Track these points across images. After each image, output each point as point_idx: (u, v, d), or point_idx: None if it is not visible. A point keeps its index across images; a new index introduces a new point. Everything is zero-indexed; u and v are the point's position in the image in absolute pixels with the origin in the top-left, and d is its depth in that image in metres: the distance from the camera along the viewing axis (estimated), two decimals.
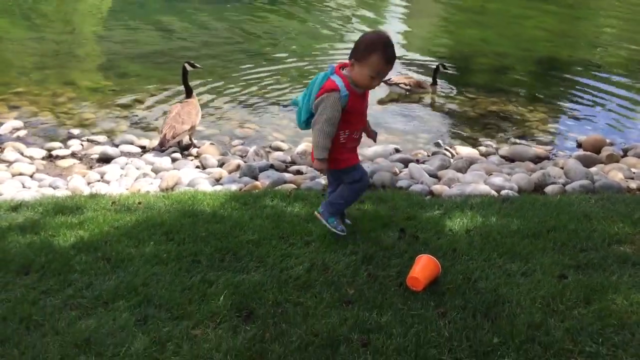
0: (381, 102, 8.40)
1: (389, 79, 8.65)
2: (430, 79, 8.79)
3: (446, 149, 6.56)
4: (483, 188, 4.79)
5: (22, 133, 6.56)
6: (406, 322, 2.78)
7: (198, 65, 6.85)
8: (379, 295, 3.01)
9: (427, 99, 8.56)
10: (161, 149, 6.21)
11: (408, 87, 8.53)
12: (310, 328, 2.72)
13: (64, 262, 3.25)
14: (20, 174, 5.37)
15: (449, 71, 8.95)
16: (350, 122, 3.30)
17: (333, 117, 3.20)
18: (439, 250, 3.44)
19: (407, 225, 3.80)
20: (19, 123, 6.75)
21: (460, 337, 2.66)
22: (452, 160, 5.94)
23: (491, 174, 5.31)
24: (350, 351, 2.58)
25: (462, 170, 5.52)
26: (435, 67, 8.85)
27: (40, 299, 2.92)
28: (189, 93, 6.73)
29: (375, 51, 3.12)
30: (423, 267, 3.10)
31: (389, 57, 3.15)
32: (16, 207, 4.13)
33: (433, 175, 5.32)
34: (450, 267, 3.26)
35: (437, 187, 4.93)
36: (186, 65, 6.74)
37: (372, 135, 3.66)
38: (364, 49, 3.15)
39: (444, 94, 8.67)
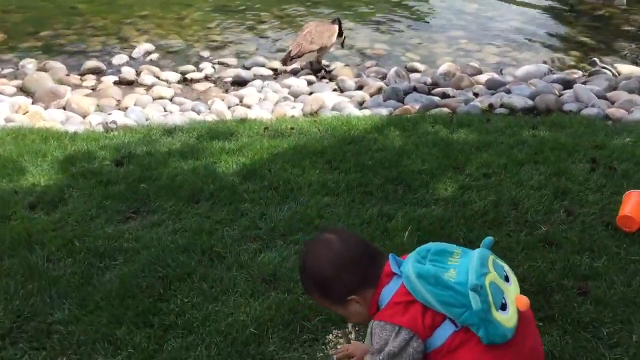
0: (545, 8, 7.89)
1: None
2: None
3: (605, 67, 5.85)
4: None
5: (154, 56, 6.51)
6: (626, 268, 2.42)
7: None
8: (585, 236, 2.65)
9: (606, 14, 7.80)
10: (283, 65, 5.99)
11: None
12: None
13: (232, 191, 3.11)
14: (161, 98, 5.31)
15: None
16: None
17: None
18: None
19: (598, 154, 3.35)
20: (150, 46, 6.69)
21: None
22: (617, 80, 5.27)
23: None
24: (567, 299, 2.27)
25: (636, 91, 4.86)
26: None
27: (217, 229, 2.79)
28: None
29: None
30: (637, 205, 2.69)
31: None
32: (170, 131, 4.05)
33: (602, 98, 4.72)
34: None
35: (613, 111, 4.36)
36: None
37: None
38: None
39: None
